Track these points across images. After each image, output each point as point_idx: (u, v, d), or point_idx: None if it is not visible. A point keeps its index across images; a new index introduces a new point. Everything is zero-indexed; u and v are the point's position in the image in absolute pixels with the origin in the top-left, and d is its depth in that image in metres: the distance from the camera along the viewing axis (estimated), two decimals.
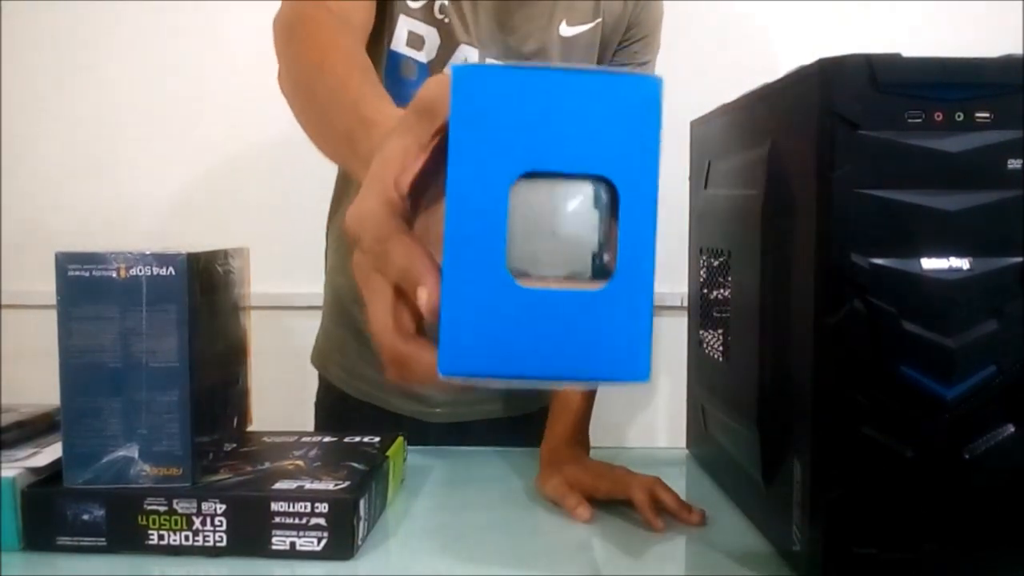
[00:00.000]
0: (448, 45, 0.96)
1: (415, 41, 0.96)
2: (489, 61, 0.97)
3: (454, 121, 0.34)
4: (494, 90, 0.34)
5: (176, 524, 0.69)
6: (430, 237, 0.37)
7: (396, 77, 0.97)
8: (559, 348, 0.33)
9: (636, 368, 0.33)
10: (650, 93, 0.33)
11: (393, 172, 0.37)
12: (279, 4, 0.80)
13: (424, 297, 0.35)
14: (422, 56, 0.96)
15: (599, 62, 1.03)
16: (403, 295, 0.37)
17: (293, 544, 0.68)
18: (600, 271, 0.34)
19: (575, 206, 0.34)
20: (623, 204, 0.33)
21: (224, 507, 0.69)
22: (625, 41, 1.03)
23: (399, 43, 0.95)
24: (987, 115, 0.59)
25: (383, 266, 0.37)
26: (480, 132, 0.33)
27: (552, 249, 0.34)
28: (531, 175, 0.33)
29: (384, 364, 0.38)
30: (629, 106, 0.33)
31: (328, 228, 1.13)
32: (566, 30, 0.99)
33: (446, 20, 0.95)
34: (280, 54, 0.73)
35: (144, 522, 0.69)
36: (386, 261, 0.37)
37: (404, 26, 0.95)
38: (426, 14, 0.95)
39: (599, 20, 1.00)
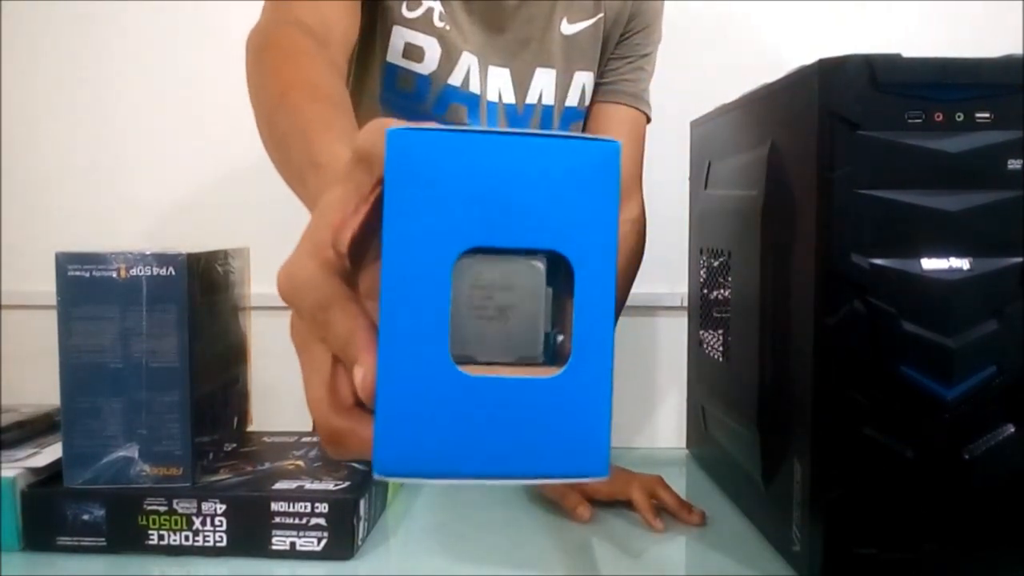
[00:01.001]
0: (451, 55, 0.93)
1: (413, 53, 0.92)
2: (491, 68, 0.96)
3: (389, 189, 0.30)
4: (434, 156, 0.30)
5: (176, 524, 0.69)
6: (377, 295, 0.32)
7: (394, 90, 0.95)
8: (508, 444, 0.29)
9: (593, 464, 0.29)
10: (608, 158, 0.30)
11: (330, 228, 0.33)
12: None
13: (359, 377, 0.31)
14: (422, 68, 0.93)
15: (601, 57, 1.02)
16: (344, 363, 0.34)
17: (293, 544, 0.68)
18: (553, 355, 0.31)
19: (525, 283, 0.30)
20: (578, 281, 0.29)
21: (224, 507, 0.69)
22: (627, 33, 1.03)
23: (395, 55, 0.93)
24: (987, 115, 0.59)
25: (323, 335, 0.33)
26: (418, 203, 0.30)
27: (500, 331, 0.30)
28: (479, 256, 0.30)
29: (320, 439, 0.35)
30: (584, 173, 0.30)
31: None
32: (567, 28, 0.98)
33: (447, 28, 0.93)
34: (248, 80, 0.71)
35: (144, 522, 0.69)
36: (326, 330, 0.33)
37: (400, 37, 0.92)
38: (425, 24, 0.92)
39: (601, 15, 1.00)
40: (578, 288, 0.30)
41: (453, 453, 0.29)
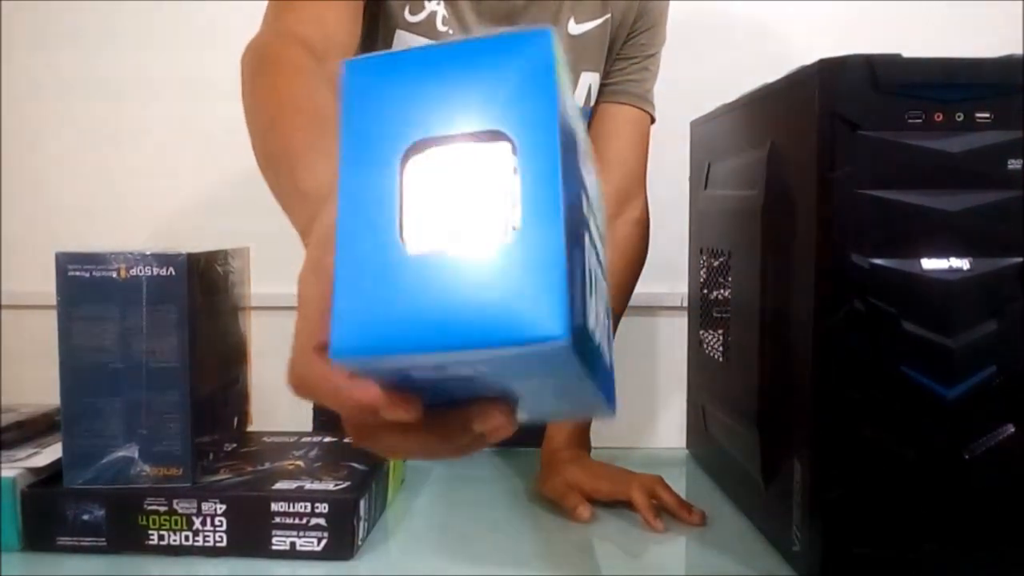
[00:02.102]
0: None
1: None
2: None
3: (344, 111, 0.33)
4: (382, 74, 0.32)
5: (176, 524, 0.69)
6: None
7: None
8: (460, 317, 0.28)
9: (549, 326, 0.27)
10: (540, 43, 0.31)
11: (310, 323, 0.34)
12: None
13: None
14: None
15: (607, 57, 1.02)
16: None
17: (293, 544, 0.68)
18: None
19: (478, 171, 0.31)
20: (522, 156, 0.30)
21: (224, 507, 0.69)
22: (632, 34, 1.03)
23: None
24: (987, 115, 0.59)
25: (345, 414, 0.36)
26: (368, 115, 0.32)
27: (458, 221, 0.30)
28: (429, 148, 0.31)
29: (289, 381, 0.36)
30: (520, 61, 0.31)
31: None
32: (575, 28, 0.98)
33: (449, 32, 0.92)
34: (243, 98, 0.70)
35: (144, 522, 0.69)
36: (342, 408, 0.35)
37: (402, 42, 0.92)
38: (427, 28, 0.92)
39: (608, 16, 1.00)
40: (522, 162, 0.30)
41: (406, 331, 0.29)
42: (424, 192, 0.31)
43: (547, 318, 0.28)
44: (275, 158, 0.59)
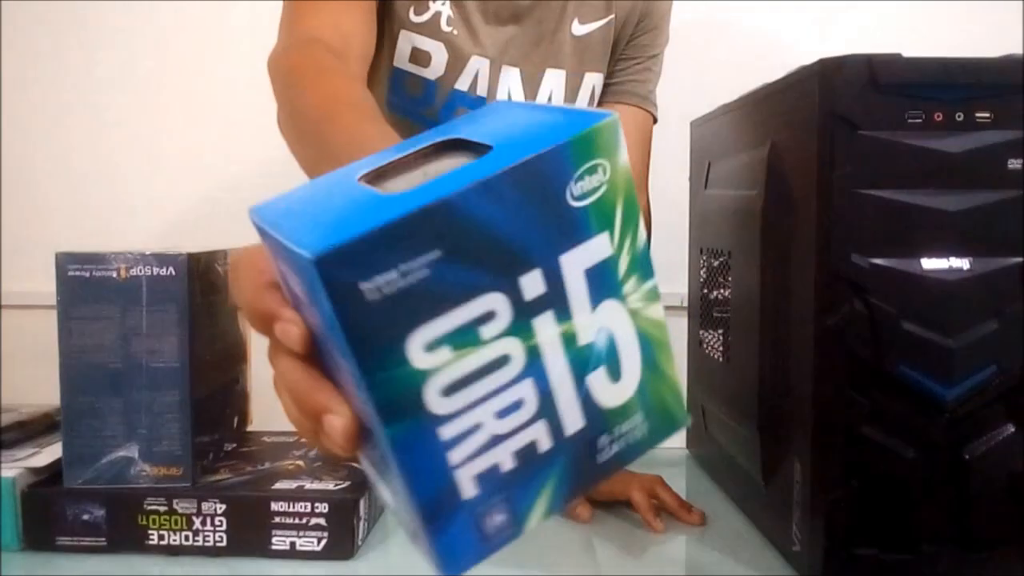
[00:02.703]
0: (458, 59, 0.93)
1: (420, 57, 0.92)
2: (506, 68, 0.96)
3: (458, 119, 0.37)
4: (489, 109, 0.37)
5: (176, 524, 0.69)
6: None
7: (402, 94, 0.95)
8: (310, 222, 0.31)
9: (316, 242, 0.28)
10: (594, 118, 0.32)
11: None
12: (281, 9, 0.79)
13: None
14: (429, 73, 0.93)
15: (611, 58, 1.02)
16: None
17: (293, 544, 0.68)
18: None
19: (452, 161, 0.34)
20: (487, 155, 0.31)
21: (224, 507, 0.69)
22: (635, 34, 1.03)
23: (402, 60, 0.92)
24: (987, 115, 0.59)
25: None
26: (459, 123, 0.36)
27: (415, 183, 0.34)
28: (458, 146, 0.35)
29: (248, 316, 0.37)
30: (570, 122, 0.32)
31: None
32: (579, 28, 0.98)
33: (454, 33, 0.93)
34: (280, 102, 0.70)
35: (144, 522, 0.69)
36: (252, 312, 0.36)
37: (407, 42, 0.92)
38: (432, 29, 0.92)
39: (612, 16, 1.00)
40: (481, 158, 0.31)
41: (282, 217, 0.33)
42: (417, 166, 0.35)
43: (319, 239, 0.29)
44: (340, 149, 0.58)
